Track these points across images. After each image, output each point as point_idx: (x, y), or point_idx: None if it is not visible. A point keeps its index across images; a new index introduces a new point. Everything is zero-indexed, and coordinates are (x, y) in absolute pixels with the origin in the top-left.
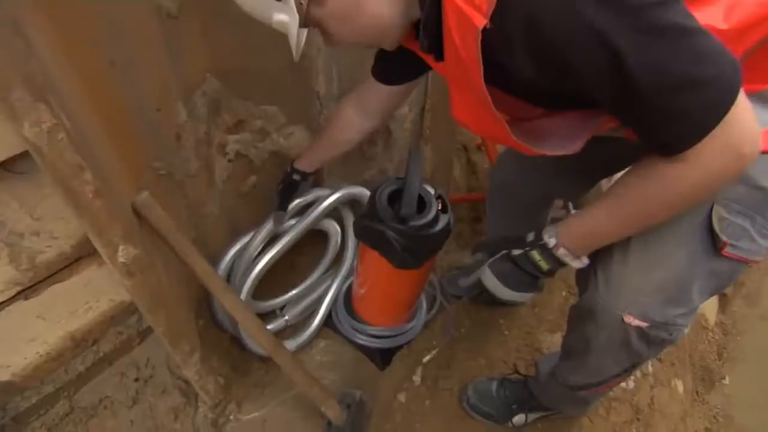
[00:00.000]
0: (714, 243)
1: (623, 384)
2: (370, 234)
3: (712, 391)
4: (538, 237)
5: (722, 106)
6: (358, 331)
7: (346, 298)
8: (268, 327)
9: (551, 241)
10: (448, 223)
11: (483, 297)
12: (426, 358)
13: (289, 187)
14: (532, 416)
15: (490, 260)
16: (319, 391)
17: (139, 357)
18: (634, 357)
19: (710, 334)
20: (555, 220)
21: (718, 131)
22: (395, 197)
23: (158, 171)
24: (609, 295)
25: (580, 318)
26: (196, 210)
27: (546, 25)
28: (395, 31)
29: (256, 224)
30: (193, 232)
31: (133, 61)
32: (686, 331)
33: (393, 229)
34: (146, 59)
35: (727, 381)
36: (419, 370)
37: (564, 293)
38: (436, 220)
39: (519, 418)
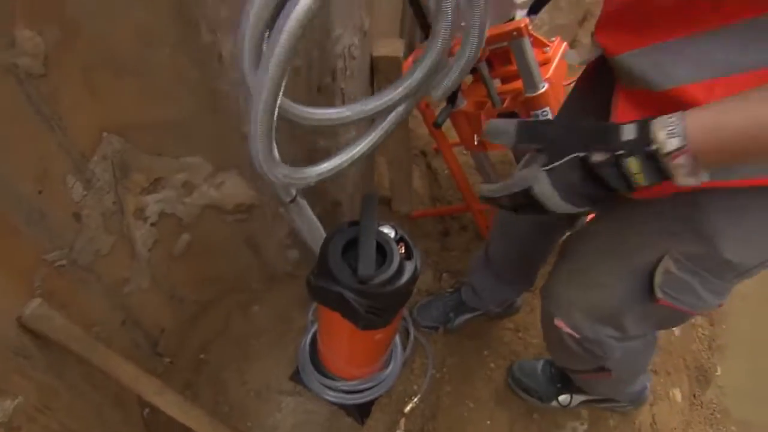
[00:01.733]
0: (652, 290)
1: (622, 408)
2: (326, 296)
3: (708, 389)
4: (643, 135)
5: None
6: (328, 387)
7: (312, 349)
8: None
9: (671, 143)
10: (415, 270)
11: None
12: (408, 408)
13: None
14: (577, 398)
15: (552, 165)
16: None
17: None
18: (586, 362)
19: (699, 330)
20: None
21: None
22: (350, 248)
23: (55, 264)
24: (547, 295)
25: None
26: (118, 290)
27: None
28: None
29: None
30: (121, 314)
31: None
32: (677, 333)
33: (352, 290)
34: (6, 132)
35: (719, 372)
36: (402, 423)
37: None
38: (400, 271)
39: (564, 398)
